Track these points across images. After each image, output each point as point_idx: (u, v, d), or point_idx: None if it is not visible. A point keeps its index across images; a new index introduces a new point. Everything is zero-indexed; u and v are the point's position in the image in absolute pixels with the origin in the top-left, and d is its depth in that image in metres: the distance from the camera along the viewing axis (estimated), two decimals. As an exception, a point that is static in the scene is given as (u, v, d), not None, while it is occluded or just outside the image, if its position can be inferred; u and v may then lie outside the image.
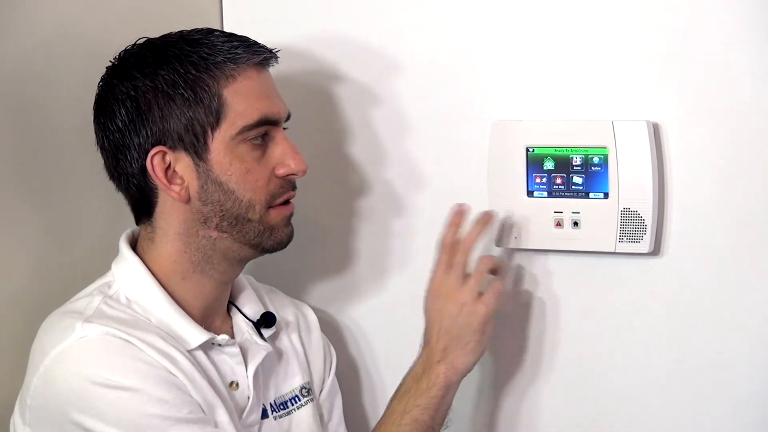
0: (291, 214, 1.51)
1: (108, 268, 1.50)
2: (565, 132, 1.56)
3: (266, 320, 1.56)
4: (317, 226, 1.80)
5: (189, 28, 1.49)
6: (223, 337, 1.47)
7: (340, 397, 1.68)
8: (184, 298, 1.48)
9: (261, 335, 1.54)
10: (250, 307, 1.57)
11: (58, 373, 1.37)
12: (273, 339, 1.58)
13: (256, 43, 1.48)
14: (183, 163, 1.44)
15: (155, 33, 1.49)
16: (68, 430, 1.36)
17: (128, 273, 1.47)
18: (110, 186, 1.50)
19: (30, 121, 1.57)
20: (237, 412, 1.47)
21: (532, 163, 1.58)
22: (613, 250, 1.55)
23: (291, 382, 1.58)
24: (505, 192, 1.60)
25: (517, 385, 1.68)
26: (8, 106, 1.54)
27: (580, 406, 1.64)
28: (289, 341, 1.61)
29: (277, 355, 1.58)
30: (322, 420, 1.63)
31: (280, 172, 1.47)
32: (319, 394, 1.65)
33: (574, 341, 1.62)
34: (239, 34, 1.48)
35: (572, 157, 1.56)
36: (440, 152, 1.68)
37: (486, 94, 1.64)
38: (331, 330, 1.77)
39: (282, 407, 1.55)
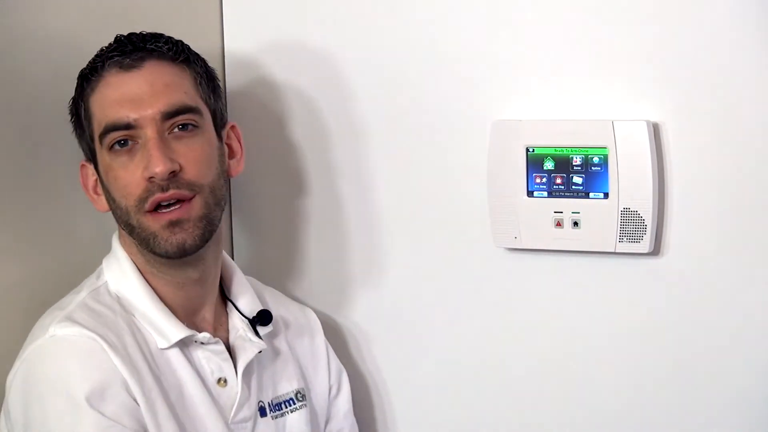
0: (174, 221, 1.43)
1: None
2: (565, 132, 1.56)
3: (262, 318, 1.56)
4: (317, 226, 1.80)
5: (189, 27, 1.50)
6: (204, 335, 1.47)
7: None
8: (164, 292, 1.48)
9: (256, 332, 1.54)
10: (246, 304, 1.57)
11: (21, 372, 1.39)
12: (270, 338, 1.58)
13: (122, 45, 1.46)
14: (95, 176, 1.50)
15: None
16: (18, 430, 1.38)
17: (116, 268, 1.49)
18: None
19: (25, 121, 1.57)
20: (226, 409, 1.48)
21: (532, 163, 1.58)
22: (613, 250, 1.55)
23: (287, 384, 1.59)
24: (505, 192, 1.60)
25: (518, 386, 1.67)
26: (4, 106, 1.54)
27: (580, 405, 1.64)
28: (287, 344, 1.62)
29: (274, 354, 1.58)
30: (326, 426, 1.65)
31: (145, 174, 1.42)
32: (329, 403, 1.66)
33: (574, 341, 1.62)
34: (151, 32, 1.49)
35: (572, 157, 1.56)
36: (440, 152, 1.68)
37: (486, 94, 1.64)
38: (331, 332, 1.77)
39: (277, 408, 1.56)
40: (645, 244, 1.53)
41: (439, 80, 1.67)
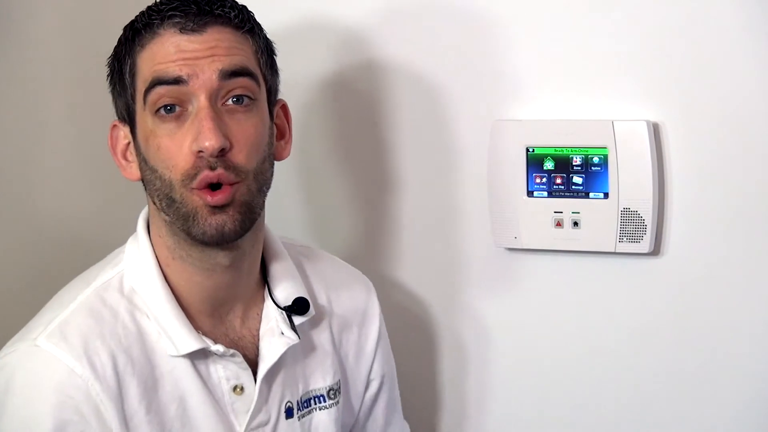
0: (220, 205, 1.30)
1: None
2: (565, 132, 1.56)
3: (298, 307, 1.42)
4: (317, 227, 1.80)
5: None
6: (218, 348, 1.35)
7: None
8: (181, 288, 1.37)
9: (292, 324, 1.42)
10: (284, 289, 1.43)
11: None
12: (310, 326, 1.46)
13: (181, 5, 1.32)
14: (129, 139, 1.37)
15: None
16: None
17: (137, 256, 1.38)
18: (105, 182, 1.49)
19: (29, 119, 1.57)
20: (241, 415, 1.38)
21: (532, 163, 1.58)
22: (613, 250, 1.55)
23: (320, 379, 1.46)
24: (505, 192, 1.60)
25: (518, 386, 1.68)
26: (6, 105, 1.54)
27: (580, 405, 1.64)
28: (329, 333, 1.49)
29: (310, 345, 1.46)
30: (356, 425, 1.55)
31: (193, 147, 1.29)
32: (363, 400, 1.55)
33: (574, 341, 1.62)
34: None
35: (572, 157, 1.56)
36: (440, 152, 1.68)
37: (486, 94, 1.64)
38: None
39: (305, 405, 1.44)
40: (645, 244, 1.53)
41: (439, 80, 1.67)
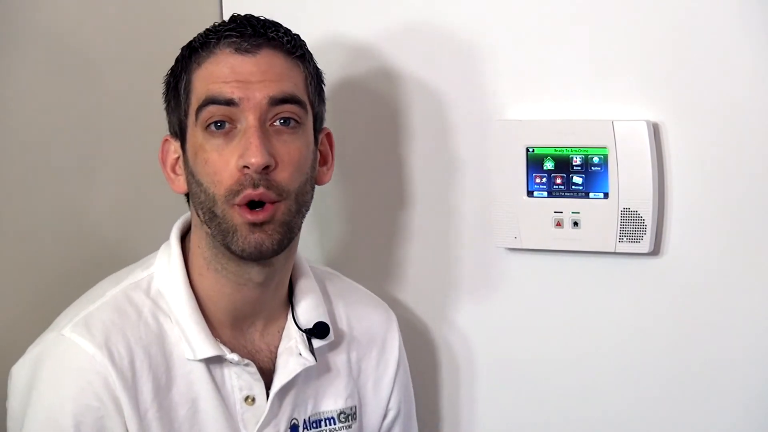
0: (260, 223, 1.35)
1: (116, 268, 1.49)
2: (565, 132, 1.56)
3: (318, 331, 1.47)
4: (317, 226, 1.80)
5: (188, 28, 1.48)
6: (233, 356, 1.39)
7: None
8: (209, 297, 1.42)
9: (310, 346, 1.46)
10: (306, 311, 1.48)
11: (26, 370, 1.37)
12: (328, 350, 1.50)
13: (240, 27, 1.39)
14: (179, 153, 1.43)
15: (154, 33, 1.49)
16: None
17: (166, 263, 1.43)
18: (122, 184, 1.50)
19: (34, 120, 1.57)
20: (250, 426, 1.41)
21: (532, 163, 1.58)
22: (613, 250, 1.55)
23: (331, 402, 1.50)
24: (505, 192, 1.60)
25: (518, 386, 1.68)
26: (8, 105, 1.54)
27: (580, 405, 1.64)
28: (346, 357, 1.52)
29: (325, 368, 1.49)
30: None
31: (239, 163, 1.34)
32: (380, 427, 1.57)
33: (574, 341, 1.62)
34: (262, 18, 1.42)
35: (572, 157, 1.56)
36: (440, 152, 1.68)
37: (486, 94, 1.64)
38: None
39: (315, 425, 1.48)
40: (645, 244, 1.53)
41: (440, 80, 1.67)
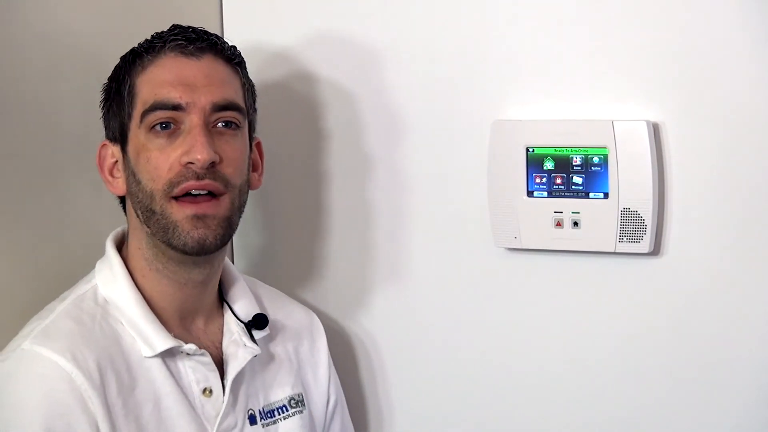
0: (200, 215, 1.41)
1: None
2: (565, 132, 1.56)
3: (257, 322, 1.54)
4: (319, 229, 1.80)
5: (188, 24, 1.49)
6: (190, 347, 1.44)
7: None
8: (154, 297, 1.46)
9: (252, 337, 1.52)
10: (243, 307, 1.55)
11: None
12: (266, 342, 1.57)
13: (184, 32, 1.46)
14: (118, 157, 1.47)
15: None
16: None
17: (108, 272, 1.47)
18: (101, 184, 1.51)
19: (24, 119, 1.57)
20: (211, 418, 1.45)
21: (532, 163, 1.58)
22: (613, 250, 1.55)
23: (279, 391, 1.56)
24: (505, 192, 1.60)
25: (518, 385, 1.68)
26: (4, 105, 1.54)
27: (580, 405, 1.64)
28: (283, 348, 1.60)
29: (268, 359, 1.56)
30: None
31: (183, 159, 1.40)
32: (326, 413, 1.64)
33: (574, 341, 1.62)
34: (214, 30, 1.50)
35: (572, 157, 1.56)
36: (440, 152, 1.68)
37: (486, 94, 1.64)
38: (334, 336, 1.77)
39: (269, 415, 1.54)
40: (645, 244, 1.53)
41: (439, 80, 1.67)
